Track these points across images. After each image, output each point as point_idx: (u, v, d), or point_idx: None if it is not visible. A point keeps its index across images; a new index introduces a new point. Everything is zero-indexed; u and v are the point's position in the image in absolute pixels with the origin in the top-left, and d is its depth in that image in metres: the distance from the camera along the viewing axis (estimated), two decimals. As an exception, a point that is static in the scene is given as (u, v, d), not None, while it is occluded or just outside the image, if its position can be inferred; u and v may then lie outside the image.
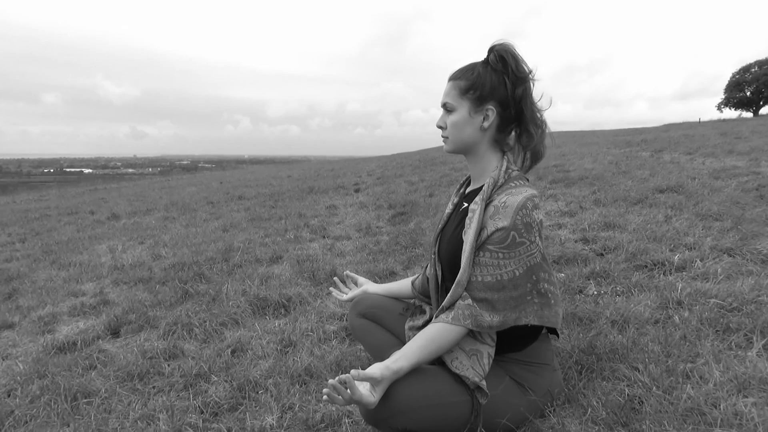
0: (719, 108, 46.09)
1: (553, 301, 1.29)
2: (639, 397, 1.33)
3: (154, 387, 1.81)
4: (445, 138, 1.35)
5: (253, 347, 2.05)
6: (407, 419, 1.20)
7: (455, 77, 1.31)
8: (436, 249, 1.42)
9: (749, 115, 40.53)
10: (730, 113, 45.05)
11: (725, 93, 45.24)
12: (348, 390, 1.12)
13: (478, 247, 1.24)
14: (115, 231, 5.45)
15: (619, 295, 2.13)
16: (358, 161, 17.65)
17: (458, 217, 1.37)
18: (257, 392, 1.67)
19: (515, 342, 1.32)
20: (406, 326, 1.51)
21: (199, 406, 1.63)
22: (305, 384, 1.71)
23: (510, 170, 1.31)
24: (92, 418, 1.61)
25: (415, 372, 1.23)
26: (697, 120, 27.13)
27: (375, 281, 1.91)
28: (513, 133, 1.35)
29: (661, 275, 2.31)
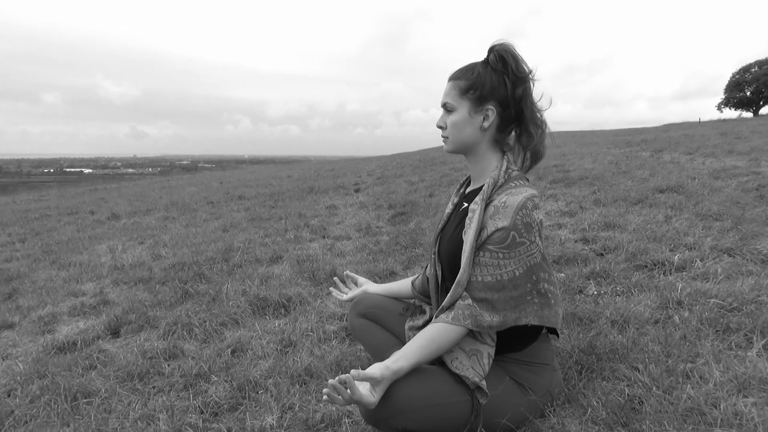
0: (719, 108, 46.12)
1: (553, 301, 1.29)
2: (639, 397, 1.33)
3: (154, 387, 1.81)
4: (445, 138, 1.35)
5: (253, 347, 2.05)
6: (407, 419, 1.20)
7: (455, 77, 1.31)
8: (436, 249, 1.42)
9: (749, 115, 40.53)
10: (730, 113, 45.10)
11: (725, 93, 45.25)
12: (348, 390, 1.12)
13: (478, 247, 1.24)
14: (115, 231, 5.45)
15: (619, 295, 2.13)
16: (358, 161, 17.65)
17: (458, 217, 1.37)
18: (257, 392, 1.67)
19: (515, 342, 1.32)
20: (406, 326, 1.51)
21: (199, 406, 1.63)
22: (305, 384, 1.71)
23: (510, 170, 1.31)
24: (92, 418, 1.61)
25: (415, 372, 1.23)
26: (697, 120, 27.15)
27: (375, 281, 1.91)
28: (513, 133, 1.35)
29: (661, 275, 2.31)
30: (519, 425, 1.30)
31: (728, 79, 45.09)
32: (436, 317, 1.29)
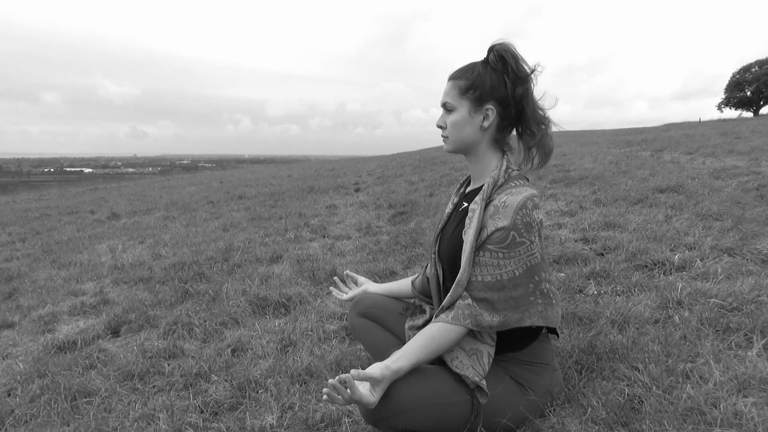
0: (719, 108, 46.12)
1: (554, 301, 1.29)
2: (639, 397, 1.33)
3: (154, 386, 1.81)
4: (445, 138, 1.35)
5: (253, 347, 2.05)
6: (407, 419, 1.20)
7: (455, 77, 1.31)
8: (436, 249, 1.42)
9: (749, 114, 40.52)
10: (731, 113, 45.10)
11: (725, 93, 45.24)
12: (348, 390, 1.12)
13: (478, 246, 1.24)
14: (115, 230, 5.45)
15: (619, 295, 2.13)
16: (358, 161, 17.64)
17: (458, 216, 1.37)
18: (257, 392, 1.67)
19: (515, 342, 1.32)
20: (406, 326, 1.51)
21: (199, 406, 1.63)
22: (305, 383, 1.71)
23: (510, 170, 1.31)
24: (92, 417, 1.61)
25: (415, 372, 1.23)
26: (698, 120, 27.14)
27: (375, 281, 1.91)
28: (514, 132, 1.34)
29: (661, 275, 2.31)
30: (519, 425, 1.30)
31: (728, 78, 45.14)
32: (436, 317, 1.29)
